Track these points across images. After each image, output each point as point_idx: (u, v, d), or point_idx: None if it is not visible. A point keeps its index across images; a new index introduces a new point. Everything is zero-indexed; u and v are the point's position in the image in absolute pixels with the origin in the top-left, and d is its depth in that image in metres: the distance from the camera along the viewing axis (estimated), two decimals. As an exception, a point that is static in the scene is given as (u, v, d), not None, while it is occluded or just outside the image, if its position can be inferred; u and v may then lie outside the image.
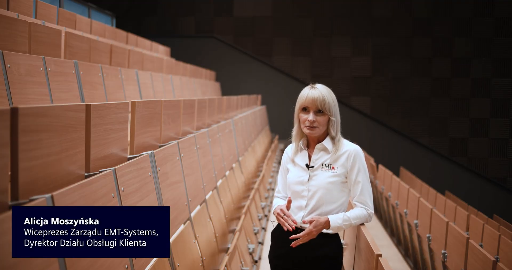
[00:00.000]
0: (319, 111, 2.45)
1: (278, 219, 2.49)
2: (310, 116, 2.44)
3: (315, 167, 2.49)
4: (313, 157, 2.51)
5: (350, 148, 2.49)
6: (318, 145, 2.50)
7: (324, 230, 2.45)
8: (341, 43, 12.63)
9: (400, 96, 12.60)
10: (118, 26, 12.32)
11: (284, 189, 2.64)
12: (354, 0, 12.59)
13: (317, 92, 2.44)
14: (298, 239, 2.42)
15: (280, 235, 2.54)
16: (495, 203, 11.85)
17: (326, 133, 2.52)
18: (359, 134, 12.30)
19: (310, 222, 2.41)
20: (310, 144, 2.56)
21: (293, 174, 2.54)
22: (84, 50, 4.65)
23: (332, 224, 2.40)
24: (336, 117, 2.49)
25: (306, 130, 2.47)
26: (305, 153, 2.54)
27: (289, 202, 2.50)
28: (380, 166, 8.12)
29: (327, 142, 2.49)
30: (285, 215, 2.46)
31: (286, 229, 2.47)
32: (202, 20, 12.85)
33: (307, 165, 2.51)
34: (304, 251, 2.47)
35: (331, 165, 2.47)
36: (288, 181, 2.56)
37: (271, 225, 2.73)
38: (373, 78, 12.66)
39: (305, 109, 2.47)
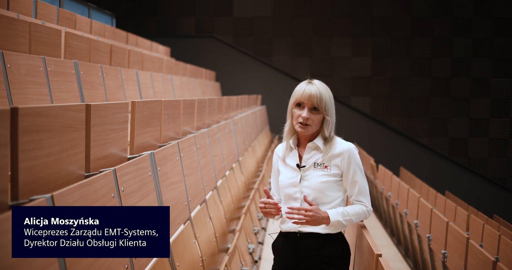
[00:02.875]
0: (314, 109, 2.31)
1: (264, 213, 2.38)
2: (305, 113, 2.30)
3: (306, 166, 2.37)
4: (304, 157, 2.38)
5: (344, 148, 2.35)
6: (310, 144, 2.37)
7: (325, 230, 2.36)
8: (341, 43, 12.63)
9: (400, 96, 12.60)
10: (118, 26, 12.32)
11: (278, 191, 2.53)
12: (354, 0, 12.59)
13: (314, 88, 2.32)
14: (297, 216, 2.28)
15: (280, 246, 2.45)
16: (495, 203, 11.85)
17: (318, 132, 2.38)
18: (359, 134, 12.30)
19: (311, 204, 2.32)
20: (300, 143, 2.43)
21: (284, 176, 2.42)
22: (84, 50, 4.64)
23: (332, 218, 2.30)
24: (332, 117, 2.34)
25: (297, 128, 2.33)
26: (295, 152, 2.41)
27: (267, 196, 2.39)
28: (380, 166, 8.12)
29: (318, 141, 2.36)
30: (266, 204, 2.35)
31: (274, 218, 2.40)
32: (202, 20, 12.86)
33: (298, 165, 2.38)
34: (306, 256, 2.37)
35: (323, 164, 2.35)
36: (280, 184, 2.44)
37: (271, 227, 2.65)
38: (373, 78, 12.66)
39: (299, 105, 2.34)
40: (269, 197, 2.39)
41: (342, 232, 2.47)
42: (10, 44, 3.45)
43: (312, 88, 2.33)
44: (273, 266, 2.50)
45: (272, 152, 8.60)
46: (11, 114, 1.50)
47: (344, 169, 2.36)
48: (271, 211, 2.36)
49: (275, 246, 2.48)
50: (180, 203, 2.83)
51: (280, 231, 2.48)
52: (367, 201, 2.41)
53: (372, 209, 2.47)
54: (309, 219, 2.28)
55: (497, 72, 12.32)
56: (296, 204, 2.38)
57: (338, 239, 2.41)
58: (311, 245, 2.36)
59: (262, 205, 2.37)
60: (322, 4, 12.64)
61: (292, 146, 2.42)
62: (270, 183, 6.91)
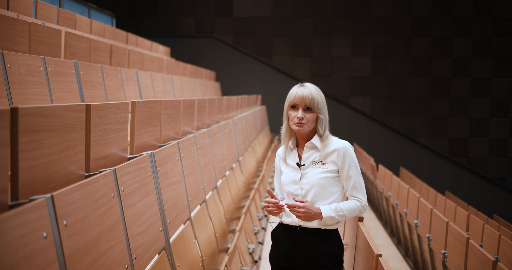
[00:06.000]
0: (308, 109, 2.49)
1: (268, 211, 2.53)
2: (299, 113, 2.47)
3: (306, 165, 2.52)
4: (303, 156, 2.54)
5: (339, 146, 2.51)
6: (308, 144, 2.53)
7: (321, 226, 2.48)
8: (341, 43, 12.63)
9: (400, 96, 12.60)
10: (118, 26, 12.32)
11: (281, 191, 2.67)
12: (354, 0, 12.59)
13: (306, 90, 2.49)
14: (294, 208, 2.43)
15: (280, 235, 2.58)
16: (495, 203, 11.85)
17: (314, 132, 2.55)
18: (359, 134, 12.30)
19: (302, 201, 2.44)
20: (299, 143, 2.59)
21: (286, 175, 2.57)
22: (84, 50, 4.64)
23: (324, 214, 2.43)
24: (325, 115, 2.52)
25: (294, 127, 2.50)
26: (295, 152, 2.58)
27: (271, 195, 2.54)
28: (380, 166, 8.12)
29: (315, 140, 2.52)
30: (269, 203, 2.50)
31: (278, 216, 2.54)
32: (202, 20, 12.86)
33: (297, 164, 2.54)
34: (304, 250, 2.50)
35: (321, 161, 2.51)
36: (282, 183, 2.60)
37: (271, 226, 2.76)
38: (373, 78, 12.66)
39: (294, 107, 2.51)
40: (272, 196, 2.55)
41: (338, 229, 2.59)
42: (10, 44, 3.45)
43: (304, 90, 2.51)
44: (270, 251, 2.64)
45: (272, 152, 8.61)
46: (11, 114, 1.50)
47: (339, 165, 2.51)
48: (274, 210, 2.51)
49: (275, 233, 2.63)
50: (180, 203, 2.83)
51: (281, 222, 2.62)
52: (363, 196, 2.54)
53: (367, 204, 2.60)
54: (301, 215, 2.42)
55: (497, 72, 12.32)
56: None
57: (335, 236, 2.54)
58: (310, 240, 2.50)
59: (266, 204, 2.53)
60: (322, 4, 12.64)
61: (292, 146, 2.58)
62: (270, 184, 6.92)
